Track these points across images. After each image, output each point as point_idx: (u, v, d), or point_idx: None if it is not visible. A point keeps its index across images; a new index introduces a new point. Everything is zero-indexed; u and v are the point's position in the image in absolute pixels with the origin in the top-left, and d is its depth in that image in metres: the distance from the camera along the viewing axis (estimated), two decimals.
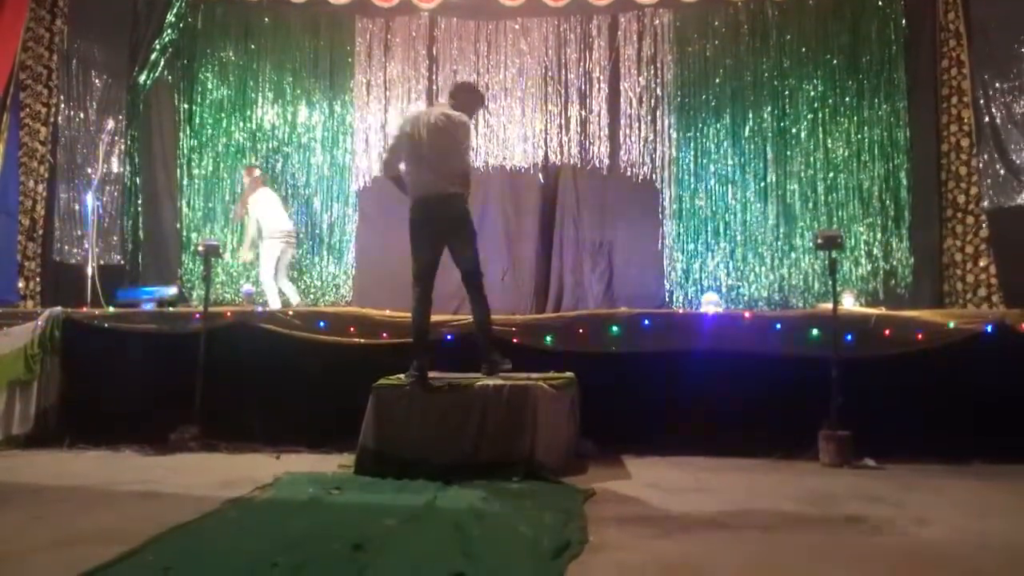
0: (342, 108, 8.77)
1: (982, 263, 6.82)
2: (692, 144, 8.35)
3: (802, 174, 8.08)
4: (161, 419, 5.04)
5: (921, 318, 5.10)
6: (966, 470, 4.44)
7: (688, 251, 8.27)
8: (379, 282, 8.27)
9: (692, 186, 8.33)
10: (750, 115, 8.25)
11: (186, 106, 8.68)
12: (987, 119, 6.67)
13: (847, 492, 3.81)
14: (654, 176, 8.36)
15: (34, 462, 4.72)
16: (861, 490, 3.86)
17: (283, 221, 7.51)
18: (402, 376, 4.41)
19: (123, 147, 8.14)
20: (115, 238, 8.01)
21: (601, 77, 8.48)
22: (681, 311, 7.55)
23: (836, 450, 4.56)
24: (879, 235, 7.78)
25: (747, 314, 5.42)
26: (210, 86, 8.75)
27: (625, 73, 8.45)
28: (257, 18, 8.82)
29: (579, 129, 8.47)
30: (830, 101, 8.05)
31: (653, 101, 8.40)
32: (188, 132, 8.67)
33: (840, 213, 7.93)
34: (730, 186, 8.26)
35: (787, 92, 8.18)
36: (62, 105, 7.53)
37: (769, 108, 8.21)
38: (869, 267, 7.78)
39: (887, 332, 4.97)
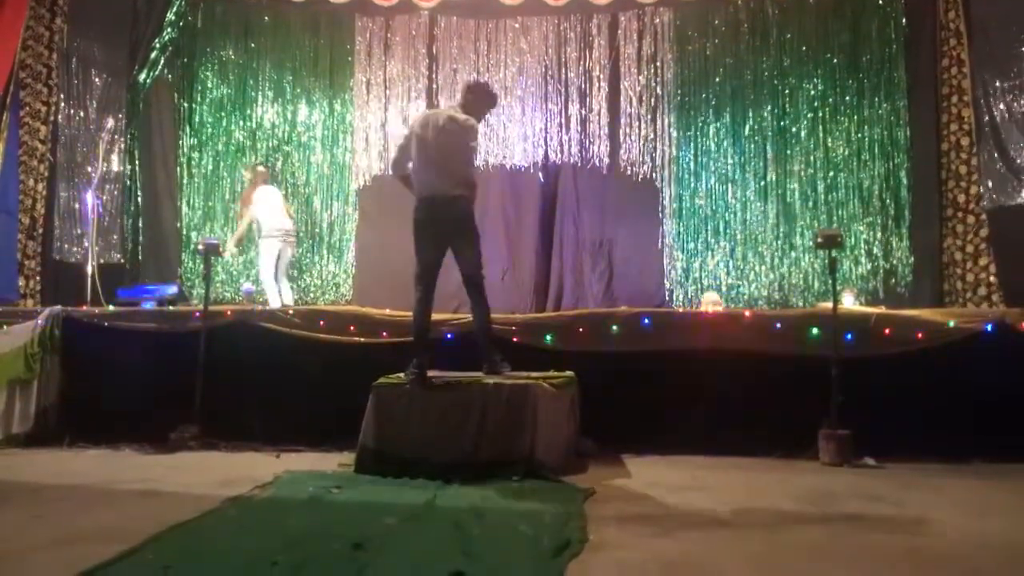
0: (342, 107, 8.77)
1: (982, 262, 6.82)
2: (692, 143, 8.36)
3: (802, 173, 8.08)
4: (161, 418, 5.04)
5: (921, 317, 5.10)
6: (966, 469, 4.44)
7: (688, 250, 8.28)
8: (379, 281, 8.27)
9: (692, 185, 8.34)
10: (750, 114, 8.26)
11: (186, 105, 8.68)
12: (987, 118, 6.68)
13: (847, 491, 3.81)
14: (654, 175, 8.37)
15: (34, 461, 4.71)
16: (861, 489, 3.86)
17: (281, 220, 7.47)
18: (402, 375, 4.41)
19: (123, 146, 8.15)
20: (115, 237, 8.01)
21: (601, 76, 8.48)
22: (681, 310, 7.55)
23: (836, 449, 4.56)
24: (879, 234, 7.78)
25: (747, 313, 5.41)
26: (210, 85, 8.75)
27: (625, 72, 8.45)
28: (257, 17, 8.82)
29: (579, 128, 8.47)
30: (830, 100, 8.05)
31: (653, 100, 8.41)
32: (188, 131, 8.67)
33: (840, 212, 7.94)
34: (730, 185, 8.26)
35: (787, 91, 8.18)
36: (62, 104, 7.53)
37: (769, 107, 8.21)
38: (869, 266, 7.78)
39: (887, 331, 4.97)
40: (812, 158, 8.06)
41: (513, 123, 8.49)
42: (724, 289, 8.08)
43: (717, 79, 8.34)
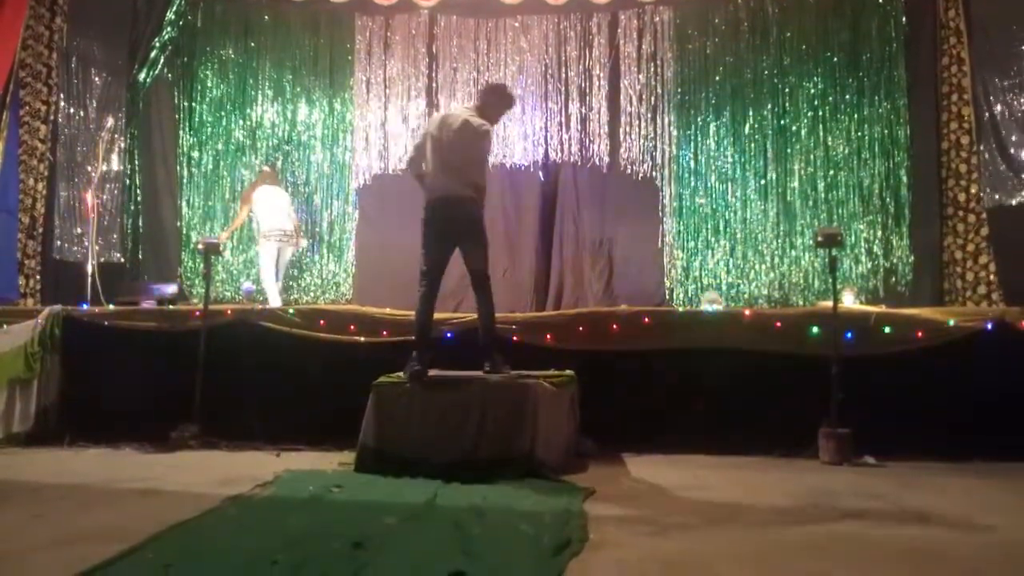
0: (342, 106, 8.77)
1: (982, 261, 6.81)
2: (692, 142, 8.36)
3: (802, 172, 8.08)
4: (161, 417, 5.04)
5: (921, 316, 5.10)
6: (966, 468, 4.43)
7: (688, 249, 8.27)
8: (379, 280, 8.27)
9: (692, 184, 8.34)
10: (750, 113, 8.26)
11: (186, 104, 8.68)
12: (987, 116, 6.68)
13: (847, 490, 3.81)
14: (654, 174, 8.36)
15: (34, 460, 4.72)
16: (861, 488, 3.86)
17: (279, 220, 7.45)
18: (402, 374, 4.41)
19: (123, 145, 8.15)
20: (115, 236, 8.02)
21: (601, 75, 8.47)
22: (681, 309, 7.55)
23: (836, 448, 4.56)
24: (879, 233, 7.78)
25: (747, 312, 5.41)
26: (210, 84, 8.75)
27: (625, 71, 8.45)
28: (257, 16, 8.82)
29: (579, 127, 8.47)
30: (830, 99, 8.05)
31: (653, 99, 8.40)
32: (188, 130, 8.67)
33: (840, 211, 7.94)
34: (730, 184, 8.26)
35: (787, 89, 8.18)
36: (62, 103, 7.53)
37: (769, 106, 8.21)
38: (869, 265, 7.78)
39: (887, 330, 4.97)
40: (812, 157, 8.06)
41: (513, 122, 8.48)
42: (724, 288, 8.09)
43: (717, 78, 8.34)
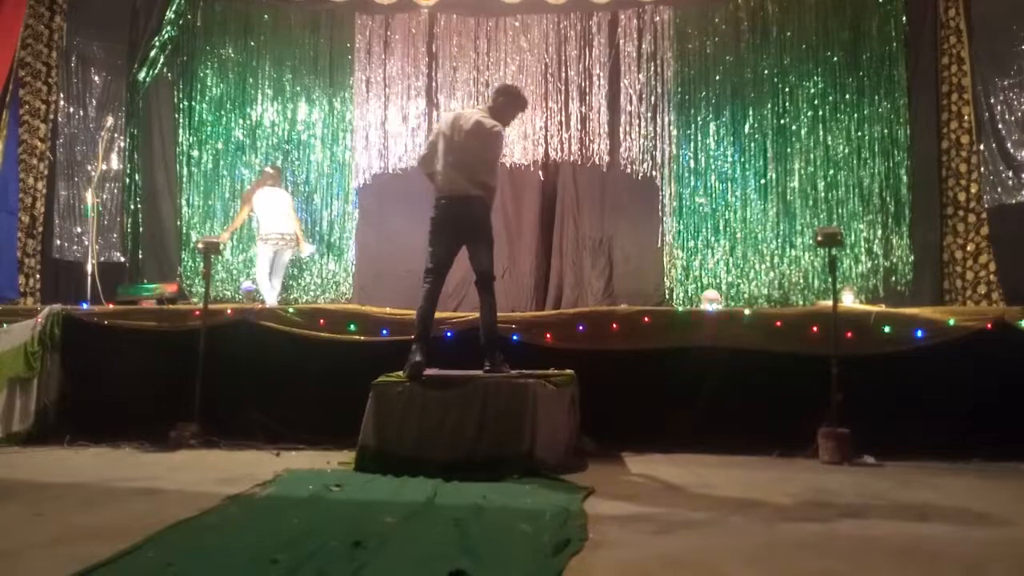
0: (342, 105, 8.77)
1: (982, 260, 6.81)
2: (692, 141, 8.36)
3: (802, 171, 8.09)
4: (161, 416, 5.04)
5: (921, 315, 5.10)
6: (966, 467, 4.44)
7: (688, 248, 8.28)
8: (379, 279, 8.28)
9: (692, 183, 8.34)
10: (750, 112, 8.26)
11: (186, 103, 8.67)
12: (987, 116, 6.67)
13: (846, 489, 3.81)
14: (654, 173, 8.37)
15: (34, 459, 4.71)
16: (860, 487, 3.86)
17: (277, 223, 7.41)
18: (402, 373, 4.41)
19: (123, 144, 8.15)
20: (115, 235, 8.02)
21: (601, 74, 8.48)
22: (681, 308, 7.55)
23: (835, 447, 4.56)
24: (879, 232, 7.78)
25: (747, 311, 5.41)
26: (210, 83, 8.75)
27: (625, 70, 8.45)
28: (257, 15, 8.82)
29: (579, 126, 8.47)
30: (830, 98, 8.05)
31: (653, 98, 8.41)
32: (188, 129, 8.66)
33: (840, 210, 7.94)
34: (730, 183, 8.27)
35: (787, 89, 8.19)
36: (62, 102, 7.53)
37: (769, 105, 8.21)
38: (869, 264, 7.78)
39: (887, 330, 4.97)
40: (812, 156, 8.07)
41: (513, 121, 8.46)
42: (724, 287, 8.09)
43: (717, 77, 8.35)
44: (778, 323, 5.15)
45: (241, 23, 8.81)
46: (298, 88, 8.78)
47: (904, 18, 7.83)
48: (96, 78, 7.92)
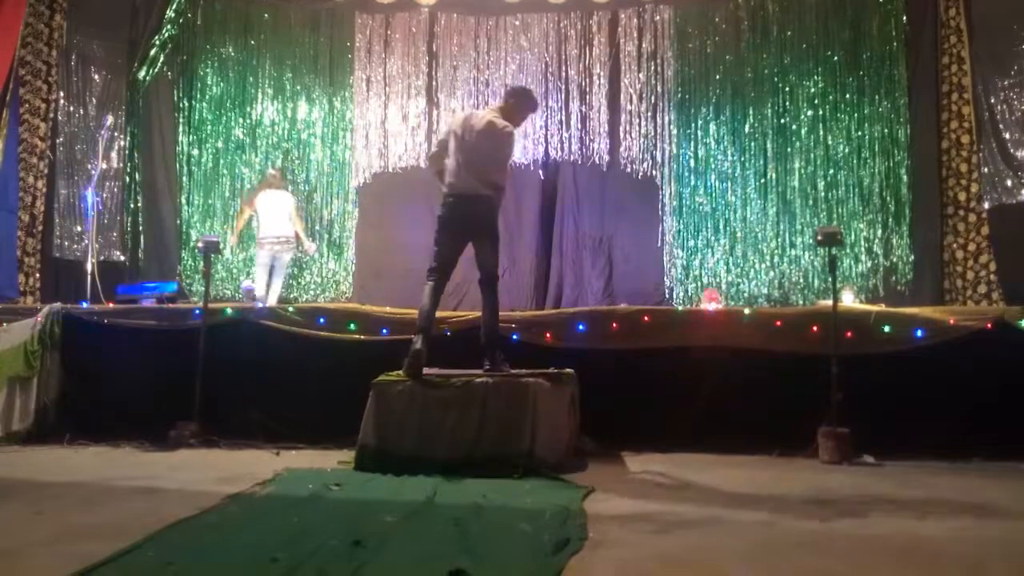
0: (342, 104, 8.77)
1: (983, 260, 6.82)
2: (692, 140, 8.36)
3: (802, 170, 8.09)
4: (161, 415, 5.04)
5: (921, 315, 5.10)
6: (966, 467, 4.44)
7: (688, 247, 8.28)
8: (379, 278, 8.28)
9: (692, 182, 8.34)
10: (750, 111, 8.26)
11: (186, 102, 8.68)
12: (988, 116, 6.68)
13: (846, 488, 3.81)
14: (654, 172, 8.37)
15: (34, 458, 4.71)
16: (860, 486, 3.86)
17: (275, 226, 7.39)
18: (402, 372, 4.41)
19: (123, 143, 8.15)
20: (115, 234, 8.02)
21: (601, 73, 8.48)
22: (681, 308, 7.55)
23: (835, 447, 4.56)
24: (879, 232, 7.79)
25: (747, 311, 5.41)
26: (210, 82, 8.75)
27: (625, 69, 8.46)
28: (257, 14, 8.82)
29: (579, 125, 8.48)
30: (830, 97, 8.06)
31: (653, 97, 8.41)
32: (188, 128, 8.66)
33: (840, 210, 7.94)
34: (730, 182, 8.27)
35: (787, 88, 8.19)
36: (62, 101, 7.53)
37: (769, 104, 8.22)
38: (869, 264, 7.78)
39: (887, 329, 4.97)
40: (812, 155, 8.07)
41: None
42: (724, 287, 8.09)
43: (717, 76, 8.35)
44: (778, 322, 5.15)
45: (241, 22, 8.81)
46: (298, 87, 8.78)
47: (904, 18, 7.83)
48: (96, 77, 7.92)
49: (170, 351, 5.33)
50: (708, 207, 8.28)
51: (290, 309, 5.58)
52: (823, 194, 8.01)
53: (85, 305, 6.08)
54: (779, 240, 8.09)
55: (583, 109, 8.49)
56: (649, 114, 8.40)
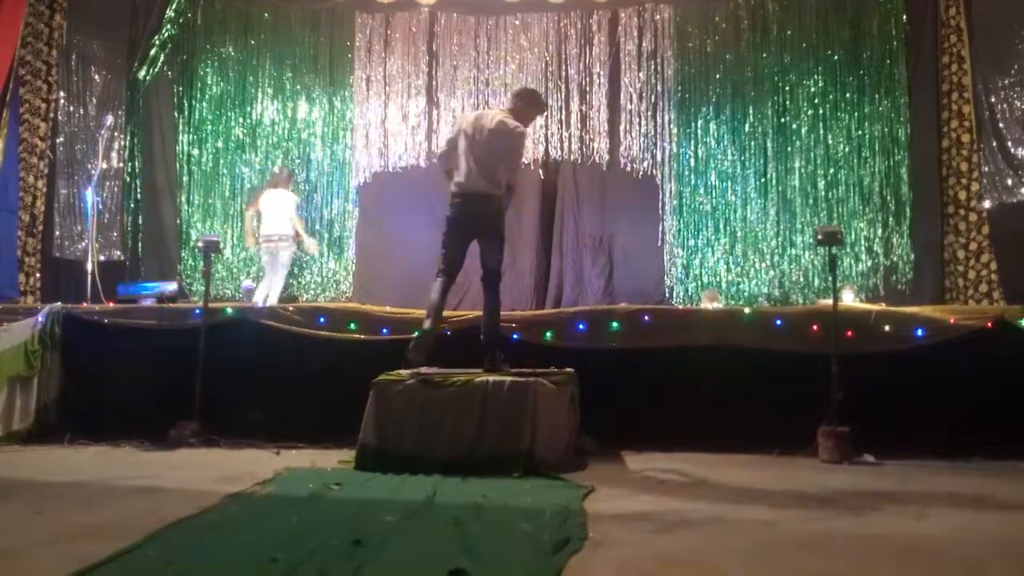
0: (342, 104, 8.76)
1: (983, 259, 6.81)
2: (692, 139, 8.36)
3: (802, 170, 8.09)
4: (161, 415, 5.04)
5: (922, 314, 5.10)
6: (966, 466, 4.44)
7: (688, 247, 8.28)
8: (379, 278, 8.28)
9: (692, 182, 8.34)
10: (751, 111, 8.26)
11: (186, 101, 8.67)
12: (988, 115, 6.68)
13: (846, 487, 3.81)
14: (654, 172, 8.36)
15: (34, 457, 4.72)
16: (860, 486, 3.86)
17: (273, 226, 7.38)
18: (402, 372, 4.41)
19: (123, 142, 8.16)
20: (115, 234, 8.02)
21: (601, 73, 8.47)
22: (681, 307, 7.55)
23: (835, 446, 4.56)
24: (879, 231, 7.78)
25: (747, 310, 5.41)
26: (210, 81, 8.74)
27: (625, 69, 8.45)
28: (257, 13, 8.81)
29: (579, 125, 8.47)
30: (830, 97, 8.05)
31: (653, 97, 8.40)
32: (188, 128, 8.66)
33: (840, 209, 7.94)
34: (730, 182, 8.26)
35: (787, 88, 8.18)
36: (62, 100, 7.53)
37: (770, 104, 8.21)
38: (869, 263, 7.78)
39: (887, 328, 4.97)
40: (812, 155, 8.07)
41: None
42: (724, 286, 8.09)
43: (717, 76, 8.34)
44: (778, 322, 5.14)
45: (241, 21, 8.81)
46: (298, 87, 8.77)
47: (904, 17, 7.82)
48: (96, 76, 7.92)
49: (170, 351, 5.33)
50: (708, 206, 8.28)
51: (290, 308, 5.58)
52: (823, 193, 8.01)
53: (85, 305, 6.08)
54: (779, 239, 8.08)
55: (583, 108, 8.49)
56: (649, 113, 8.40)
